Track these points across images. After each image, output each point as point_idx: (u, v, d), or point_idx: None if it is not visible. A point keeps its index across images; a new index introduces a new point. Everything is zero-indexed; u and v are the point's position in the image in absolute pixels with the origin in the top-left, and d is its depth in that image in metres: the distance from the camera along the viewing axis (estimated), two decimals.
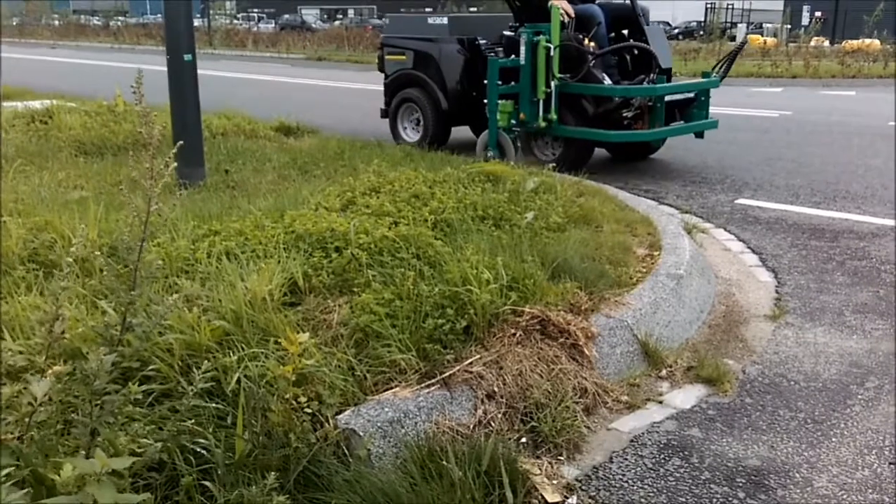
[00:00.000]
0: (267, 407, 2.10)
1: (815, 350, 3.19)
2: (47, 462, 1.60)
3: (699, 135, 7.02)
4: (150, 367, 2.19)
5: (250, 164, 5.70)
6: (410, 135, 7.64)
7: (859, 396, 2.79)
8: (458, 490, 2.01)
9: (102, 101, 8.06)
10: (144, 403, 2.08)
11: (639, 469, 2.34)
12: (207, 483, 1.91)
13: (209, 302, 2.63)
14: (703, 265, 3.94)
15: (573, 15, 6.26)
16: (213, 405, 2.14)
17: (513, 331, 2.70)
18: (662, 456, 2.41)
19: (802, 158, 7.28)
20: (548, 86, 6.21)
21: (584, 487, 2.25)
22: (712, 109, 6.95)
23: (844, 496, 2.21)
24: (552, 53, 6.12)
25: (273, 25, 45.38)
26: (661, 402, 2.74)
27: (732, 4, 37.48)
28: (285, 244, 3.18)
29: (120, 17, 48.09)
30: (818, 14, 32.53)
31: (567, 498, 2.18)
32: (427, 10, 42.24)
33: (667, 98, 6.44)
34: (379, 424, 2.19)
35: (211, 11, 36.96)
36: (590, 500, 2.19)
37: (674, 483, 2.27)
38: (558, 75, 6.17)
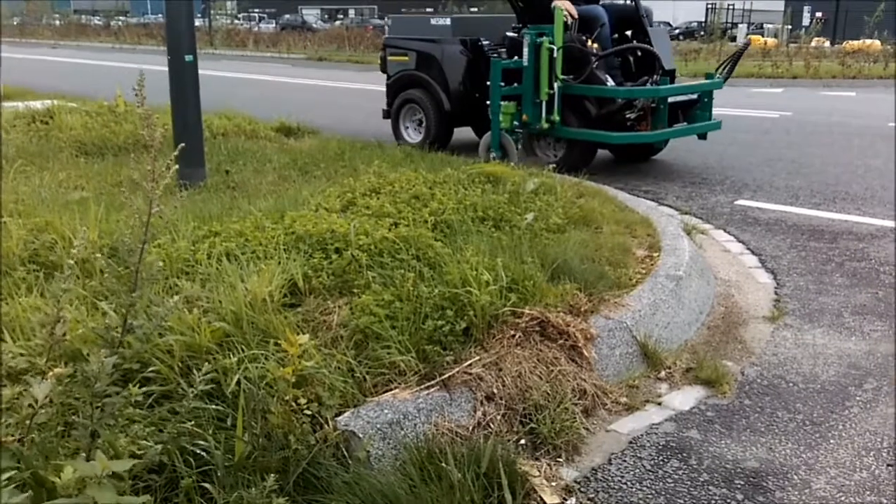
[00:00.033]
0: (267, 409, 2.11)
1: (814, 351, 3.20)
2: (48, 464, 1.60)
3: (702, 136, 7.02)
4: (150, 369, 2.20)
5: (251, 165, 5.71)
6: (412, 135, 7.64)
7: (858, 398, 2.80)
8: (457, 492, 2.02)
9: (103, 101, 8.07)
10: (144, 405, 2.09)
11: (637, 471, 2.35)
12: (207, 485, 1.91)
13: (209, 303, 2.64)
14: (702, 266, 3.95)
15: (576, 16, 6.26)
16: (213, 407, 2.14)
17: (512, 332, 2.70)
18: (661, 457, 2.42)
19: (802, 159, 7.29)
20: (551, 87, 6.21)
21: (582, 489, 2.25)
22: (713, 110, 6.95)
23: (842, 498, 2.21)
24: (555, 55, 6.12)
25: (274, 25, 45.40)
26: (659, 404, 2.74)
27: (733, 5, 37.51)
28: (285, 245, 3.18)
29: (121, 17, 48.12)
30: (819, 14, 32.52)
31: (566, 500, 2.19)
32: (428, 10, 42.26)
33: (670, 99, 6.44)
34: (378, 426, 2.20)
35: (212, 11, 36.97)
36: (588, 502, 2.20)
37: (672, 485, 2.27)
38: (561, 77, 6.17)
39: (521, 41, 6.36)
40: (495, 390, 2.48)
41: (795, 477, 2.31)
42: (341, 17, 53.96)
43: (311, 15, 53.66)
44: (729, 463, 2.38)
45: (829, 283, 4.01)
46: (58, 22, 46.04)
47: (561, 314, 2.86)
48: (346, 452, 2.13)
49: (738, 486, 2.27)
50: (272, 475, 1.87)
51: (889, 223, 5.05)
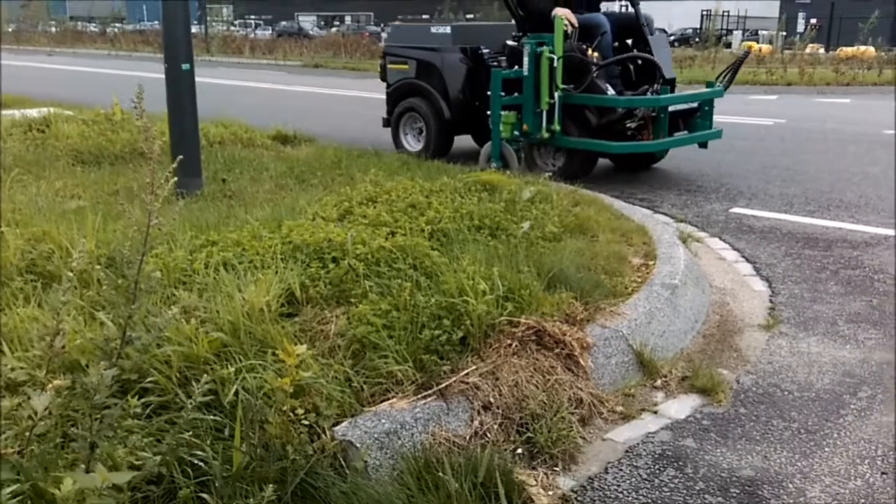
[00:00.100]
0: (264, 419, 2.11)
1: (809, 360, 3.21)
2: (47, 476, 1.61)
3: (703, 145, 7.03)
4: (148, 380, 2.21)
5: (247, 174, 5.72)
6: (412, 144, 7.65)
7: (852, 406, 2.82)
8: (454, 501, 2.03)
9: (100, 109, 8.07)
10: (142, 416, 2.09)
11: (634, 479, 2.36)
12: (205, 495, 1.92)
13: (207, 313, 2.65)
14: (697, 275, 3.97)
15: (576, 25, 6.28)
16: (211, 417, 2.15)
17: (509, 341, 2.72)
18: (657, 466, 2.43)
19: (797, 166, 7.32)
20: (551, 97, 6.22)
21: (579, 498, 2.26)
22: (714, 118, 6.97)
23: None
24: (555, 64, 6.13)
25: (270, 32, 45.43)
26: (655, 413, 2.76)
27: (728, 11, 37.64)
28: (282, 255, 3.19)
29: (117, 24, 48.13)
30: (813, 21, 32.67)
31: None
32: (424, 16, 42.34)
33: (670, 108, 6.46)
34: (376, 436, 2.21)
35: (208, 18, 37.03)
36: None
37: (668, 493, 2.28)
38: (561, 86, 6.19)
39: (521, 50, 6.38)
40: (492, 399, 2.49)
41: (790, 485, 2.33)
42: (337, 23, 54.07)
43: (307, 22, 53.78)
44: (724, 471, 2.40)
45: (824, 291, 4.03)
46: (54, 29, 46.03)
47: (557, 323, 2.87)
48: (343, 462, 2.13)
49: (734, 494, 2.28)
50: (270, 485, 1.87)
51: (883, 231, 5.08)
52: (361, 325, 2.64)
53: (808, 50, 22.19)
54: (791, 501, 2.25)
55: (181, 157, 2.16)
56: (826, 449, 2.53)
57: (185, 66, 4.91)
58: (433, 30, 7.52)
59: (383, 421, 2.26)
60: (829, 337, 3.45)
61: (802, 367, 3.14)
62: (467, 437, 2.36)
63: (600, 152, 6.61)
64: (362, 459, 2.13)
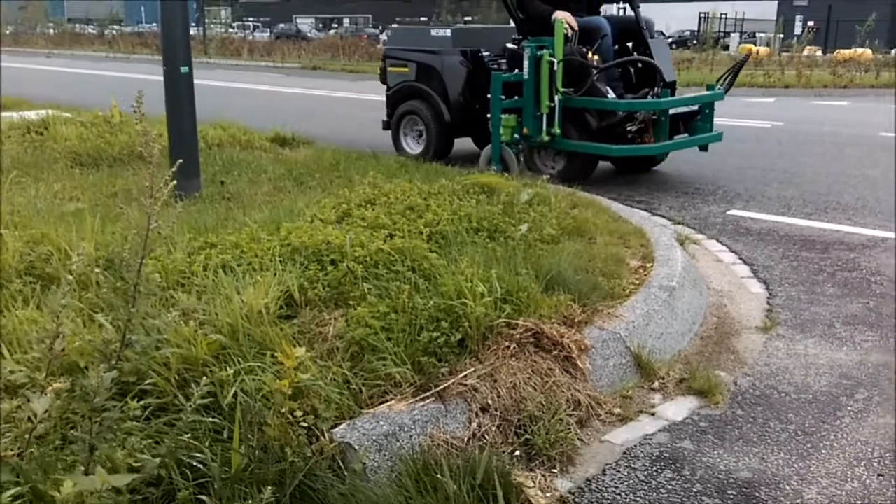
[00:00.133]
0: (263, 421, 2.12)
1: (806, 362, 3.23)
2: (47, 478, 1.61)
3: (703, 147, 7.04)
4: (147, 382, 2.22)
5: (246, 176, 5.73)
6: (413, 146, 7.66)
7: (849, 408, 2.83)
8: (452, 503, 2.03)
9: (98, 111, 8.07)
10: (141, 418, 2.10)
11: (631, 481, 2.37)
12: (204, 497, 1.92)
13: (206, 315, 2.65)
14: (695, 277, 3.98)
15: (577, 28, 6.29)
16: (210, 419, 2.15)
17: (507, 343, 2.72)
18: (655, 468, 2.44)
19: (794, 169, 7.34)
20: (551, 100, 6.23)
21: (577, 500, 2.27)
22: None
23: None
24: (556, 67, 6.14)
25: (268, 34, 45.46)
26: (653, 415, 2.77)
27: (725, 14, 37.73)
28: (281, 257, 3.20)
29: (115, 26, 48.09)
30: (811, 23, 32.78)
31: None
32: (422, 18, 42.38)
33: (671, 111, 6.47)
34: (374, 438, 2.21)
35: (206, 20, 37.04)
36: None
37: (666, 495, 2.29)
38: (562, 89, 6.20)
39: (522, 54, 6.38)
40: (490, 401, 2.50)
41: (787, 487, 2.33)
42: (336, 26, 54.10)
43: (305, 24, 53.79)
44: (721, 473, 2.41)
45: (821, 293, 4.04)
46: (52, 31, 46.01)
47: (555, 325, 2.88)
48: (342, 464, 2.14)
49: (731, 496, 2.29)
50: (269, 487, 1.88)
51: (880, 233, 5.09)
52: (360, 327, 2.65)
53: (805, 52, 22.27)
54: (788, 503, 2.26)
55: (181, 160, 2.17)
56: (823, 451, 2.54)
57: (184, 69, 4.91)
58: (433, 33, 7.53)
59: (382, 423, 2.27)
60: (826, 339, 3.46)
61: (799, 369, 3.15)
62: (465, 439, 2.37)
63: (600, 155, 6.62)
64: (361, 461, 2.13)
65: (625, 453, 2.52)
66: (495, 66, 6.91)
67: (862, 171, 7.16)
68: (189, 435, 2.05)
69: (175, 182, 1.82)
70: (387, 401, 2.39)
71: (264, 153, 6.99)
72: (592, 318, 3.09)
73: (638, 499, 2.28)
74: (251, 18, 55.67)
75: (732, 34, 36.54)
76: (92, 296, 2.80)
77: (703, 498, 2.28)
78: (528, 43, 6.40)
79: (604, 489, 2.32)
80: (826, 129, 10.11)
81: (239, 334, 2.54)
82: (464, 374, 2.54)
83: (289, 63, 26.50)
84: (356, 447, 2.16)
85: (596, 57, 6.31)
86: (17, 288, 2.93)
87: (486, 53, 7.16)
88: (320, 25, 55.67)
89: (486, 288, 2.88)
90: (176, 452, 1.96)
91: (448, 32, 7.42)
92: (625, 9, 7.49)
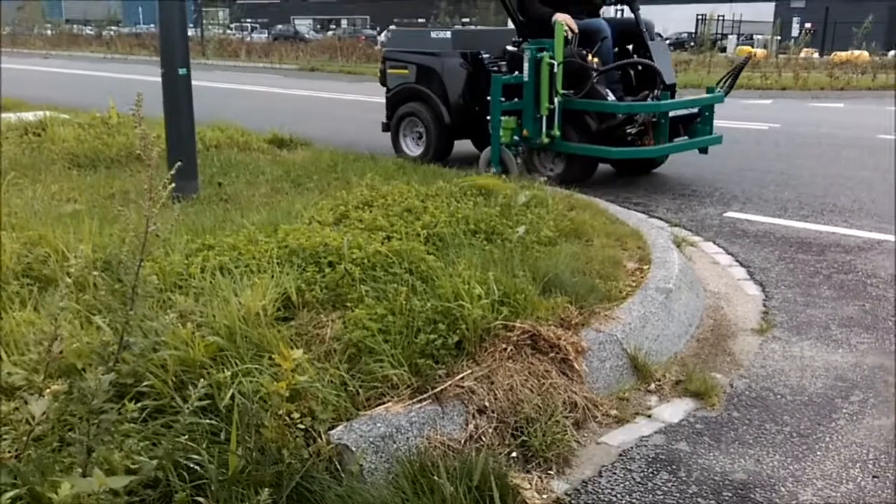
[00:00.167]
0: (260, 423, 2.13)
1: (802, 364, 3.24)
2: (45, 480, 1.62)
3: (703, 150, 7.04)
4: (145, 384, 2.22)
5: (243, 177, 5.73)
6: (412, 148, 7.66)
7: (844, 410, 2.84)
8: None
9: (96, 112, 8.08)
10: (138, 420, 2.10)
11: (627, 483, 2.37)
12: (201, 499, 1.93)
13: (203, 317, 2.66)
14: (691, 279, 3.99)
15: (577, 30, 6.29)
16: (207, 421, 2.16)
17: (504, 346, 2.73)
18: (651, 470, 2.44)
19: (791, 171, 7.36)
20: (551, 102, 6.23)
21: (573, 501, 2.28)
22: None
23: None
24: (555, 70, 6.15)
25: (266, 36, 45.47)
26: (649, 416, 2.77)
27: (723, 16, 37.79)
28: (279, 259, 3.21)
29: (113, 27, 48.07)
30: (808, 25, 32.84)
31: None
32: (420, 20, 42.39)
33: (671, 114, 6.48)
34: (371, 440, 2.22)
35: (204, 21, 37.04)
36: None
37: (662, 497, 2.30)
38: (562, 91, 6.21)
39: (522, 56, 6.39)
40: (487, 403, 2.51)
41: (783, 489, 2.34)
42: (333, 27, 54.12)
43: (303, 25, 53.83)
44: (717, 475, 2.41)
45: (817, 295, 4.05)
46: (49, 31, 45.97)
47: (552, 327, 2.89)
48: (339, 466, 2.14)
49: (727, 498, 2.30)
50: (266, 489, 1.89)
51: (877, 235, 5.11)
52: (357, 329, 2.65)
53: (802, 54, 22.29)
54: None
55: (179, 162, 2.17)
56: (818, 453, 2.55)
57: (182, 71, 4.91)
58: (433, 34, 7.54)
59: (379, 425, 2.27)
60: (822, 341, 3.47)
61: (795, 371, 3.16)
62: (462, 441, 2.37)
63: (600, 158, 6.63)
64: (358, 463, 2.14)
65: (621, 455, 2.53)
66: (495, 68, 6.92)
67: (858, 174, 7.18)
68: (186, 437, 2.06)
69: (173, 184, 1.83)
70: (384, 403, 2.40)
71: (262, 155, 6.99)
72: (589, 320, 3.10)
73: (634, 500, 2.29)
74: (249, 19, 55.68)
75: (730, 36, 36.62)
76: (90, 298, 2.80)
77: (699, 500, 2.29)
78: (528, 45, 6.41)
79: (600, 491, 2.33)
80: (823, 131, 10.14)
81: (236, 336, 2.54)
82: (461, 376, 2.54)
83: (287, 64, 26.52)
84: (353, 449, 2.17)
85: (596, 59, 6.31)
86: (14, 290, 2.94)
87: (485, 55, 7.17)
88: (318, 27, 55.70)
89: (483, 290, 2.89)
90: (173, 454, 1.97)
91: (448, 34, 7.43)
92: (623, 10, 7.50)
